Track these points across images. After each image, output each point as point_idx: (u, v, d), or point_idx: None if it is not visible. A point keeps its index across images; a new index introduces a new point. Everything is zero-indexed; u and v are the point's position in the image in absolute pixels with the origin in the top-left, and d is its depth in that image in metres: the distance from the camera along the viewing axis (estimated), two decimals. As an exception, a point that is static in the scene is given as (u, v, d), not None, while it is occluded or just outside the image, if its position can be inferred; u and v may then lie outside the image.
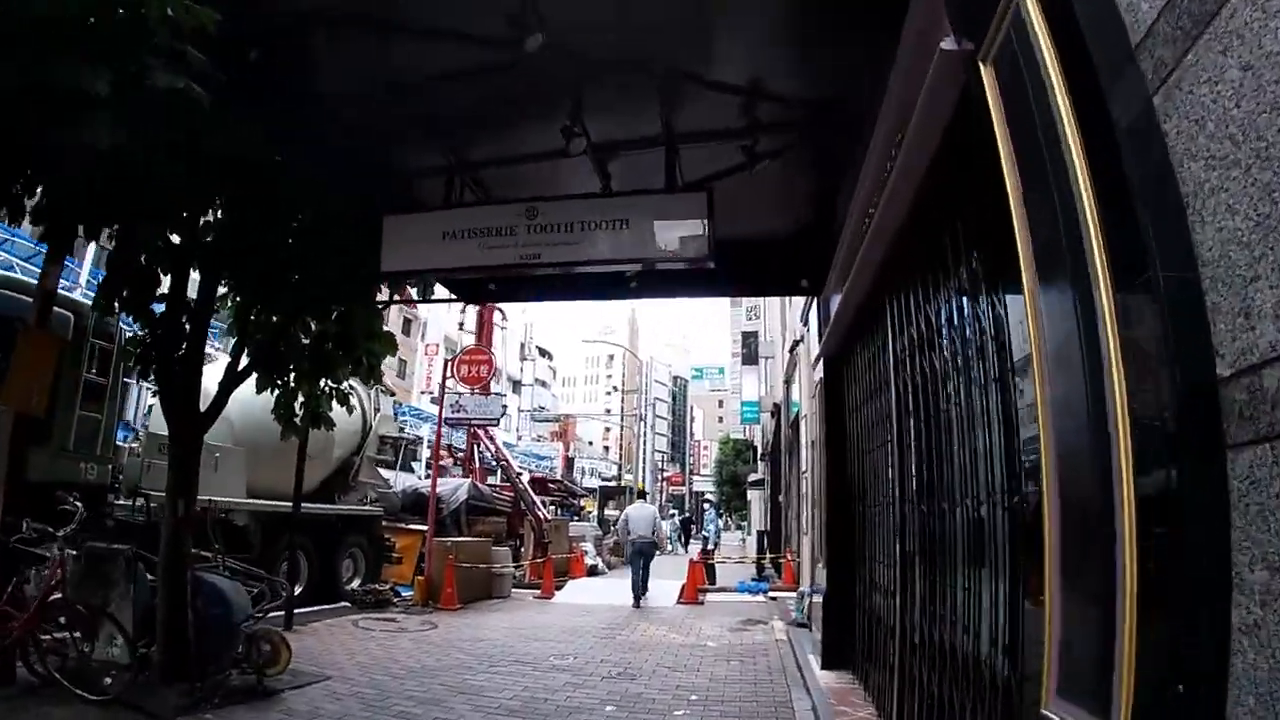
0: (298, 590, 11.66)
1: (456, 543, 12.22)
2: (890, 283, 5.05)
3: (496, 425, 12.79)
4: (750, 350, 21.93)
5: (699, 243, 5.23)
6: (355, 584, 12.87)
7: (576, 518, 27.25)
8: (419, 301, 8.43)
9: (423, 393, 54.14)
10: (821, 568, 8.25)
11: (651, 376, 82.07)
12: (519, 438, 66.47)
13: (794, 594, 12.99)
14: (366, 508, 13.76)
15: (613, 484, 37.86)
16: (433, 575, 11.77)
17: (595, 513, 28.83)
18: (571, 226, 5.52)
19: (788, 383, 15.04)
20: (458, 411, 12.25)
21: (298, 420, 7.70)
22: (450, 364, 12.48)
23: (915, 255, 4.35)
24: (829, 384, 7.70)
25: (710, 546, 16.96)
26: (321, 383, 7.50)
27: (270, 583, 7.37)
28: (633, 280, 7.38)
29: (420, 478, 18.48)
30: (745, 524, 45.77)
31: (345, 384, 8.13)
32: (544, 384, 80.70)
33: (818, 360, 8.22)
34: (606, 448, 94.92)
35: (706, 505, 18.07)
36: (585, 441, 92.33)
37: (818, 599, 7.88)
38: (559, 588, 14.04)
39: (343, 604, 11.75)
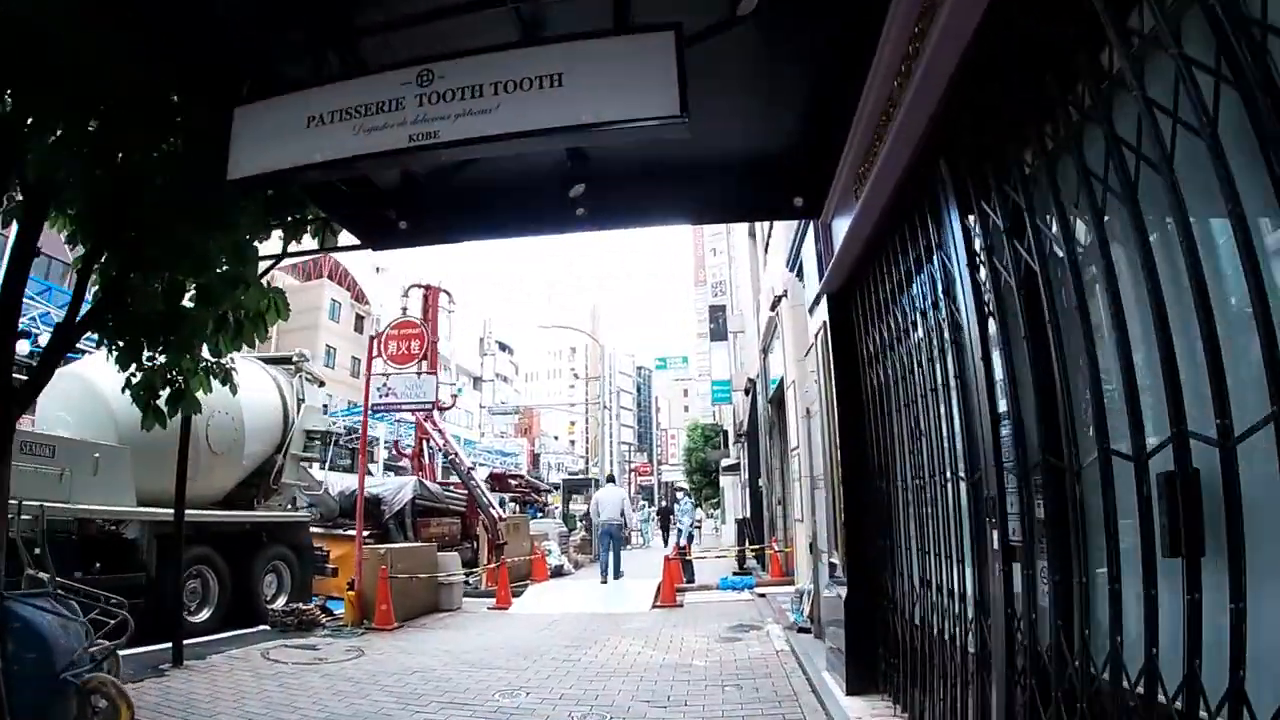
0: (204, 615, 9.89)
1: (392, 550, 10.43)
2: (952, 140, 3.43)
3: (433, 411, 10.91)
4: (719, 325, 20.29)
5: (664, 96, 3.53)
6: (280, 602, 11.08)
7: (541, 514, 25.46)
8: (316, 253, 6.60)
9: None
10: (830, 561, 6.65)
11: (615, 367, 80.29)
12: (481, 434, 64.62)
13: (785, 589, 11.42)
14: (290, 513, 11.92)
15: (578, 476, 35.77)
16: (365, 589, 9.98)
17: (560, 508, 27.00)
18: (480, 90, 3.78)
19: (765, 352, 13.44)
20: (386, 395, 10.43)
21: (161, 404, 5.94)
22: (376, 340, 10.64)
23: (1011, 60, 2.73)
24: (837, 329, 6.06)
25: (685, 541, 15.29)
26: (198, 355, 5.77)
27: (121, 616, 5.54)
28: (580, 206, 5.71)
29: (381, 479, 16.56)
30: (717, 512, 44.45)
31: (227, 358, 6.33)
32: (505, 379, 78.60)
33: (816, 302, 6.57)
34: (572, 441, 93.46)
35: (681, 495, 16.50)
36: (550, 436, 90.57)
37: (832, 596, 6.27)
38: (517, 594, 12.32)
39: (261, 628, 9.97)
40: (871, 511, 5.56)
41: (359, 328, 52.29)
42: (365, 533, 13.85)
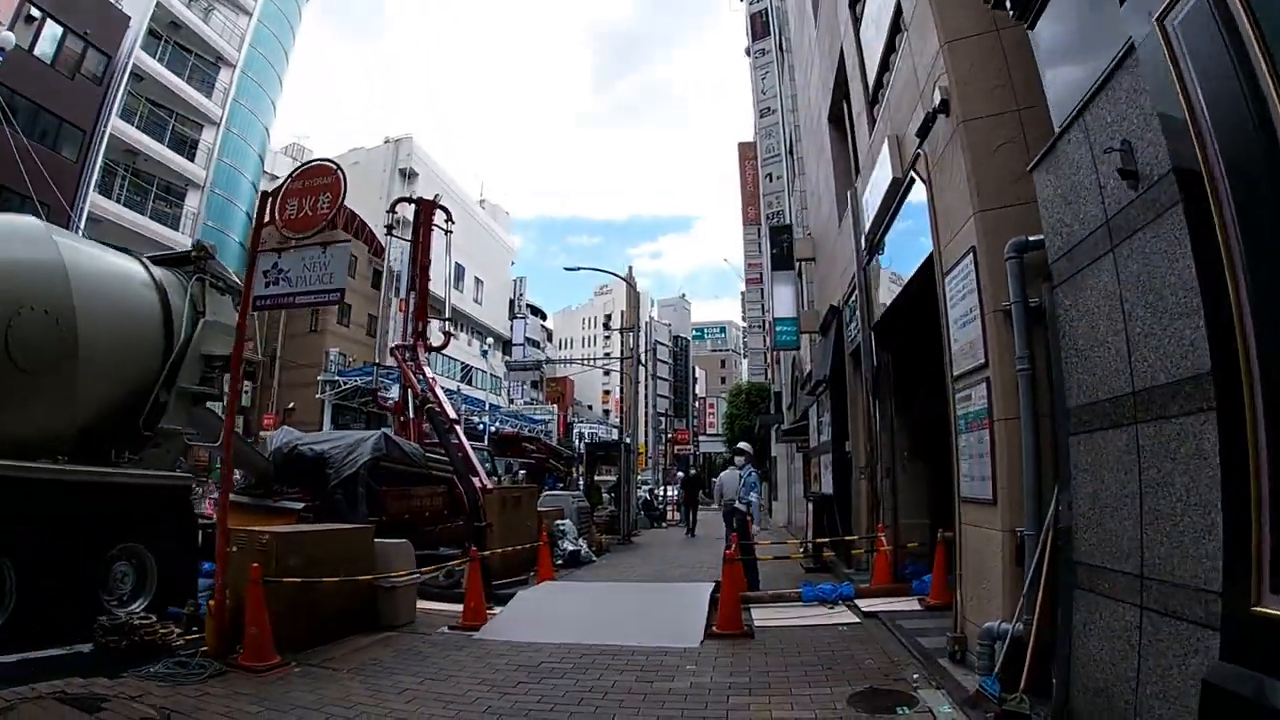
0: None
1: (279, 536, 6.45)
2: None
3: (339, 301, 6.84)
4: (781, 250, 15.99)
5: None
6: (140, 604, 7.32)
7: (562, 486, 21.39)
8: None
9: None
10: (1217, 609, 2.52)
11: (653, 336, 75.80)
12: (510, 400, 61.09)
13: (903, 606, 7.42)
14: (155, 474, 8.04)
15: (608, 440, 31.11)
16: (237, 599, 6.06)
17: (583, 479, 22.70)
18: None
19: (871, 250, 9.21)
20: (276, 282, 6.39)
21: None
22: (271, 201, 6.58)
23: None
24: None
25: (753, 524, 11.11)
26: None
27: None
28: None
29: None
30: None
31: None
32: (536, 344, 74.47)
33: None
34: (607, 411, 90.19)
35: (741, 459, 12.32)
36: (584, 405, 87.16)
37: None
38: (503, 601, 8.37)
39: (80, 648, 6.21)
40: None
41: (376, 284, 48.60)
42: (299, 505, 10.05)
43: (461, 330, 59.49)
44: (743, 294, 61.04)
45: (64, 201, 22.06)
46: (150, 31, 29.16)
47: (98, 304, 7.51)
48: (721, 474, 15.69)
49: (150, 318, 8.28)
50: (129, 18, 26.61)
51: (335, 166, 6.52)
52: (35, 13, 22.70)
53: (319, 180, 6.47)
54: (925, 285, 6.90)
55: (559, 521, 13.57)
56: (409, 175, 54.67)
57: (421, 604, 8.49)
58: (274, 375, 40.67)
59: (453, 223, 17.24)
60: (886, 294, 8.82)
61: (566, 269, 60.60)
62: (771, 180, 21.80)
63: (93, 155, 26.00)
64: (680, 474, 36.58)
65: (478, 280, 60.90)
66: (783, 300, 15.51)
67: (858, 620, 7.32)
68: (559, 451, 24.28)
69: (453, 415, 11.98)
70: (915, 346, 9.23)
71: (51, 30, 23.47)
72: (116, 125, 27.16)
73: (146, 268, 8.72)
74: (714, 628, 6.79)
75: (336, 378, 37.05)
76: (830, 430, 11.96)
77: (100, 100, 26.29)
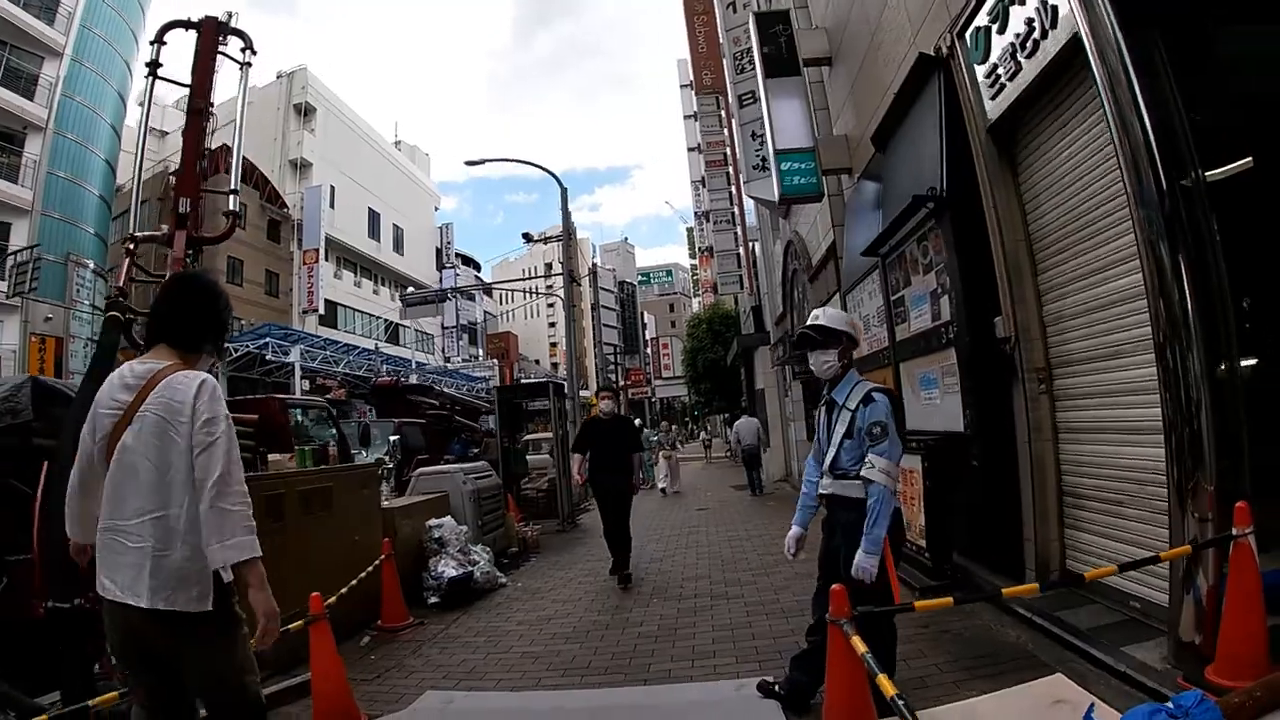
0: None
1: None
2: None
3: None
4: (779, 50, 9.87)
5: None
6: None
7: (478, 451, 15.15)
8: None
9: (305, 311, 41.12)
10: None
11: (597, 284, 69.39)
12: (446, 359, 54.66)
13: None
14: None
15: (534, 382, 20.49)
16: None
17: (505, 442, 15.48)
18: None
19: None
20: None
21: None
22: None
23: None
24: None
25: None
26: None
27: None
28: None
29: None
30: (706, 433, 34.58)
31: None
32: (471, 297, 67.20)
33: None
34: (555, 365, 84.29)
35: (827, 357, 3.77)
36: (531, 360, 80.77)
37: None
38: None
39: None
40: None
41: (274, 235, 40.93)
42: None
43: (382, 283, 52.52)
44: (690, 228, 54.86)
45: None
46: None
47: None
48: (738, 423, 16.26)
49: None
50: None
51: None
52: None
53: None
54: None
55: (433, 524, 7.50)
56: (305, 111, 46.59)
57: None
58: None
59: (254, 53, 10.75)
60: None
61: (467, 163, 51.44)
62: (735, 10, 15.66)
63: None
64: (642, 425, 22.92)
65: (396, 228, 53.76)
66: (788, 122, 9.42)
67: None
68: (475, 407, 17.80)
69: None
70: None
71: None
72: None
73: None
74: None
75: (228, 344, 29.95)
76: (946, 303, 5.89)
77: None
